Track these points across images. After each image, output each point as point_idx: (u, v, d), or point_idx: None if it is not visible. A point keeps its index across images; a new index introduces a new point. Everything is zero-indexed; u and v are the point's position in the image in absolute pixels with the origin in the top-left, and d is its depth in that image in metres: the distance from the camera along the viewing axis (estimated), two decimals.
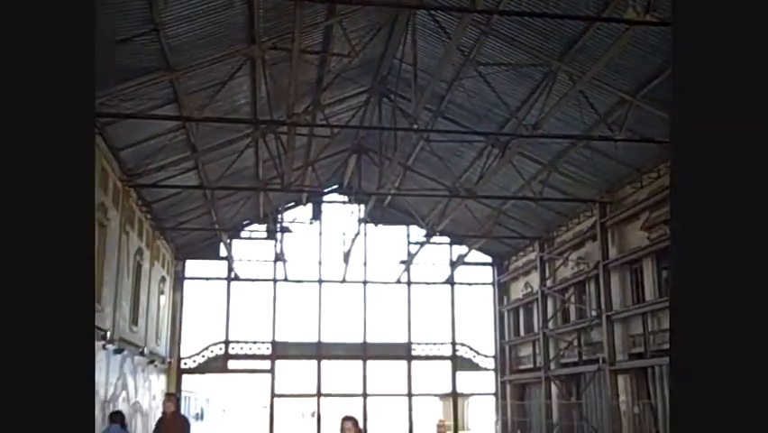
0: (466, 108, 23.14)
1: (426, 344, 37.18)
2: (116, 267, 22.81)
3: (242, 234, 35.72)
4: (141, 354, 26.69)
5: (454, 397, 37.70)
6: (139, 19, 15.47)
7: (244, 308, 36.09)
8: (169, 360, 33.25)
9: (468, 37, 18.72)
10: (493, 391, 38.13)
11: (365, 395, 36.22)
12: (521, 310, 36.43)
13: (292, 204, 34.91)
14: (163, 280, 31.71)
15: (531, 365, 34.77)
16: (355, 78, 23.58)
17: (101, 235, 20.88)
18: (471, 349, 37.69)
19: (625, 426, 25.64)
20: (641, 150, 22.43)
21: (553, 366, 31.94)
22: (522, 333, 36.18)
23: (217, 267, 36.13)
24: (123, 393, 24.45)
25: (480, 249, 36.75)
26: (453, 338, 37.45)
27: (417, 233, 35.56)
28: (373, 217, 33.47)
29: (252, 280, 36.31)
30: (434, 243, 35.67)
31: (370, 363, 36.35)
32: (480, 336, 38.29)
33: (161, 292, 31.34)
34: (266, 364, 35.75)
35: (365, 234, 36.19)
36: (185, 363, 35.28)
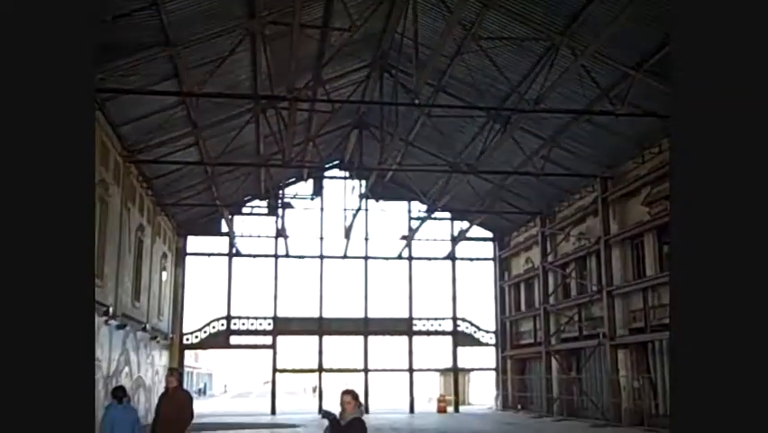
0: (467, 83, 23.02)
1: (427, 319, 37.32)
2: (118, 243, 22.83)
3: (244, 210, 35.71)
4: (144, 329, 26.80)
5: (455, 372, 37.92)
6: None
7: (246, 283, 36.21)
8: (171, 336, 33.40)
9: (469, 11, 18.59)
10: (494, 366, 38.34)
11: (366, 370, 36.43)
12: (522, 286, 36.53)
13: (293, 180, 34.87)
14: (165, 256, 31.77)
15: (531, 340, 34.93)
16: (356, 53, 23.44)
17: (102, 212, 20.88)
18: (472, 324, 37.84)
19: (624, 399, 25.81)
20: (643, 124, 22.34)
21: (553, 341, 32.08)
22: (523, 308, 36.30)
23: (219, 243, 36.21)
24: (126, 369, 24.59)
25: (481, 224, 36.75)
26: (454, 314, 37.58)
27: (419, 208, 35.59)
28: (374, 193, 33.44)
29: (254, 256, 36.38)
30: (435, 218, 35.71)
31: (371, 338, 36.51)
32: (481, 311, 38.44)
33: (163, 268, 31.40)
34: (267, 340, 35.92)
35: (366, 210, 36.19)
36: (187, 339, 35.47)
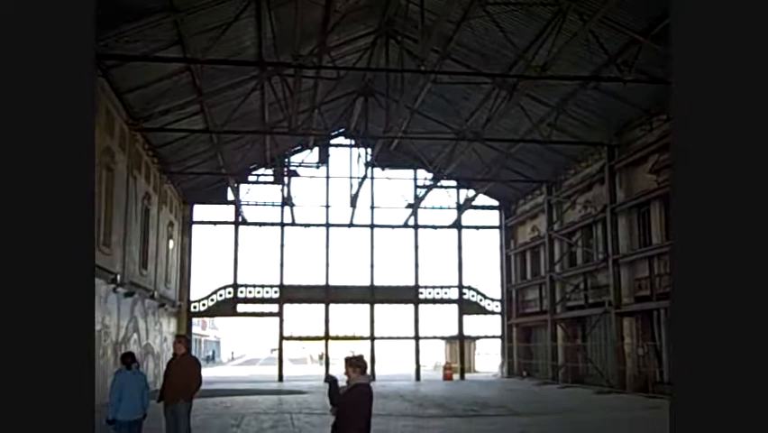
0: (474, 50, 22.84)
1: (433, 287, 37.43)
2: (124, 211, 22.90)
3: (250, 178, 35.70)
4: (152, 297, 26.99)
5: (461, 340, 38.12)
6: None
7: (252, 251, 36.35)
8: (178, 303, 33.64)
9: None
10: (499, 333, 38.53)
11: (372, 338, 36.66)
12: (528, 254, 36.57)
13: (299, 148, 34.81)
14: (171, 224, 31.87)
15: (537, 309, 35.05)
16: (362, 20, 23.25)
17: (109, 179, 20.92)
18: (478, 293, 37.97)
19: (629, 367, 25.94)
20: (651, 91, 22.18)
21: (559, 309, 32.18)
22: (528, 276, 36.38)
23: (225, 211, 36.28)
24: (135, 336, 24.81)
25: (487, 193, 36.72)
26: (460, 282, 37.69)
27: (424, 176, 35.54)
28: (380, 161, 33.35)
29: (260, 225, 36.46)
30: (441, 186, 35.64)
31: (377, 306, 36.68)
32: (487, 279, 38.55)
33: (170, 237, 31.53)
34: (274, 308, 36.13)
35: (372, 178, 36.13)
36: (194, 307, 35.71)
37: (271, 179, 34.76)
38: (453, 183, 36.88)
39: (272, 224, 36.54)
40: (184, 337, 12.00)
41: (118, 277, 21.51)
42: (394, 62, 23.47)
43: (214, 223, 36.30)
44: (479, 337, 40.60)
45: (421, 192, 34.98)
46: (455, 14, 20.18)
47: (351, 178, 35.10)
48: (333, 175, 36.90)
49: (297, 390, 27.86)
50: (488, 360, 46.52)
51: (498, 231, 38.88)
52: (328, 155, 36.51)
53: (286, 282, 36.07)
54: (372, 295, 36.54)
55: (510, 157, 30.12)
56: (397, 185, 36.44)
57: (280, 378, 34.97)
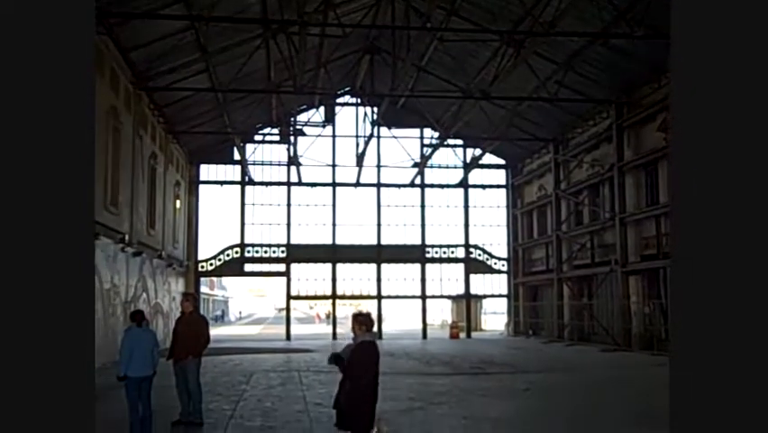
0: (480, 6, 22.55)
1: (440, 246, 37.50)
2: (131, 171, 22.90)
3: (255, 137, 35.60)
4: (160, 257, 27.13)
5: (467, 299, 38.30)
6: None
7: (259, 211, 36.40)
8: (186, 263, 33.81)
9: None
10: (506, 292, 38.69)
11: (379, 297, 36.86)
12: (534, 213, 36.54)
13: (304, 107, 34.60)
14: (178, 184, 31.89)
15: (543, 267, 35.14)
16: None
17: (115, 139, 20.89)
18: (485, 252, 38.03)
19: (635, 325, 26.07)
20: (660, 48, 21.77)
21: (565, 268, 32.26)
22: (535, 235, 36.40)
23: (231, 171, 36.24)
24: (144, 295, 25.00)
25: (493, 152, 36.53)
26: (467, 241, 37.74)
27: (431, 135, 35.36)
28: (386, 120, 33.15)
29: (266, 184, 36.45)
30: (447, 145, 35.49)
31: (384, 265, 36.81)
32: (494, 238, 38.58)
33: (176, 196, 31.57)
34: (281, 267, 36.30)
35: (378, 137, 35.98)
36: (202, 267, 35.91)
37: (277, 138, 34.68)
38: (460, 142, 36.72)
39: (278, 183, 36.52)
40: (191, 295, 12.08)
41: (126, 237, 21.60)
42: (400, 19, 23.16)
43: (221, 183, 36.30)
44: (485, 296, 40.79)
45: (427, 151, 34.84)
46: None
47: (357, 137, 34.97)
48: (339, 134, 36.77)
49: (304, 348, 28.12)
50: (494, 319, 46.79)
51: (504, 190, 38.79)
52: (334, 114, 36.31)
53: (293, 242, 36.17)
54: (379, 254, 36.65)
55: (517, 115, 29.90)
56: (403, 144, 36.29)
57: (288, 337, 35.27)
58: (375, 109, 31.94)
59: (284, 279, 36.49)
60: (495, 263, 38.20)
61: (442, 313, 51.27)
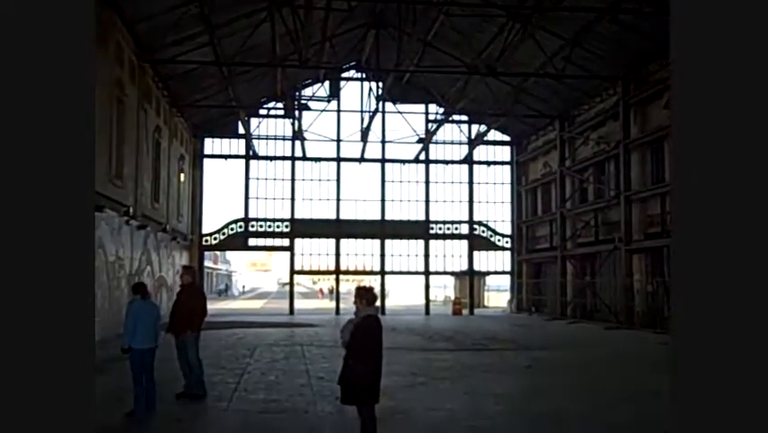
0: None
1: (444, 222, 37.49)
2: (136, 144, 22.86)
3: (260, 111, 35.49)
4: (164, 230, 27.17)
5: (471, 275, 38.36)
6: None
7: (263, 186, 36.36)
8: (190, 237, 33.86)
9: None
10: (509, 269, 38.73)
11: (383, 273, 36.92)
12: (539, 190, 36.46)
13: (309, 81, 34.41)
14: (182, 158, 31.85)
15: (547, 245, 35.13)
16: None
17: (119, 111, 20.84)
18: (488, 228, 38.03)
19: (638, 303, 26.10)
20: (668, 24, 21.60)
21: (569, 246, 32.24)
22: (539, 212, 36.35)
23: (236, 145, 36.17)
24: (148, 268, 25.07)
25: (498, 128, 36.42)
26: (471, 217, 37.73)
27: (436, 111, 35.20)
28: (392, 95, 33.00)
29: (271, 158, 36.37)
30: (452, 121, 35.39)
31: (387, 241, 36.83)
32: (498, 215, 38.56)
33: (181, 170, 31.54)
34: (285, 242, 36.35)
35: (383, 112, 35.83)
36: (206, 240, 35.98)
37: (282, 112, 34.57)
38: (465, 118, 36.60)
39: (283, 158, 36.46)
40: (190, 268, 12.09)
41: (130, 210, 21.62)
42: None
43: (225, 156, 36.24)
44: (488, 273, 40.84)
45: (432, 127, 34.71)
46: None
47: (362, 112, 34.83)
48: (344, 109, 36.65)
49: (307, 323, 28.23)
50: (497, 295, 46.91)
51: (509, 167, 38.68)
52: (339, 89, 36.17)
53: (297, 216, 36.18)
54: (383, 230, 36.66)
55: (523, 92, 29.74)
56: (408, 119, 36.13)
57: (291, 311, 35.42)
58: (380, 84, 31.76)
59: (288, 253, 36.56)
60: (498, 240, 38.21)
61: (445, 289, 51.43)
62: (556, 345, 20.52)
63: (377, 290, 7.76)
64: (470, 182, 37.89)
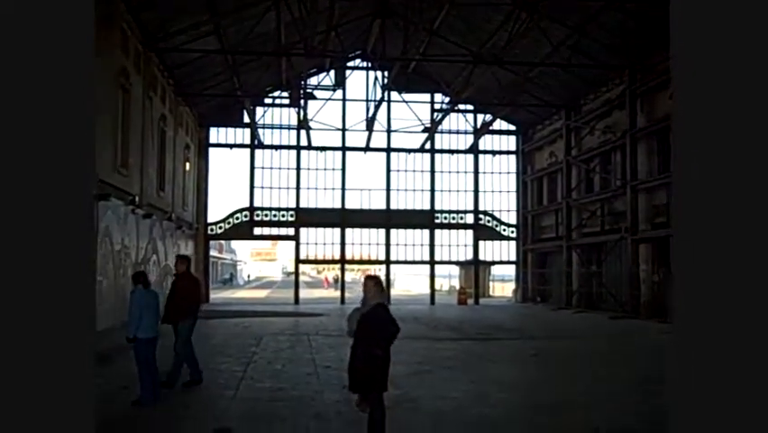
0: None
1: (449, 212, 37.45)
2: (141, 133, 22.85)
3: (266, 100, 35.43)
4: (169, 219, 27.19)
5: (476, 265, 38.35)
6: None
7: (268, 175, 36.33)
8: (195, 226, 33.88)
9: None
10: (514, 259, 38.70)
11: (388, 262, 36.95)
12: (545, 180, 36.39)
13: (315, 70, 34.31)
14: (187, 147, 31.84)
15: (553, 235, 35.08)
16: None
17: (125, 100, 20.83)
18: (494, 218, 37.98)
19: (644, 293, 26.07)
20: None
21: (574, 236, 32.19)
22: (545, 202, 36.29)
23: (241, 134, 36.13)
24: (154, 257, 25.11)
25: (504, 117, 36.32)
26: (476, 207, 37.67)
27: (442, 100, 35.12)
28: (397, 84, 32.89)
29: (276, 148, 36.34)
30: (458, 110, 35.29)
31: (393, 230, 36.81)
32: (503, 205, 38.49)
33: (186, 159, 31.54)
34: (290, 231, 36.35)
35: (389, 102, 35.76)
36: (211, 230, 35.99)
37: (287, 101, 34.51)
38: (471, 107, 36.49)
39: (288, 147, 36.42)
40: (185, 257, 12.13)
41: (136, 198, 21.63)
42: None
43: (230, 146, 36.21)
44: (494, 263, 40.81)
45: (438, 116, 34.63)
46: None
47: (367, 101, 34.76)
48: (349, 98, 36.57)
49: (313, 312, 28.27)
50: (502, 285, 46.92)
51: (514, 156, 38.58)
52: (345, 78, 36.06)
53: (302, 206, 36.16)
54: (388, 219, 36.64)
55: (529, 81, 29.63)
56: (413, 109, 36.04)
57: (296, 301, 35.46)
58: (386, 73, 31.68)
59: (293, 243, 36.58)
60: (504, 230, 38.16)
61: (450, 279, 51.46)
62: (561, 334, 20.54)
63: (382, 279, 7.78)
64: (476, 172, 37.82)
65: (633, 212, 26.46)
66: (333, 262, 38.30)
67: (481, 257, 38.23)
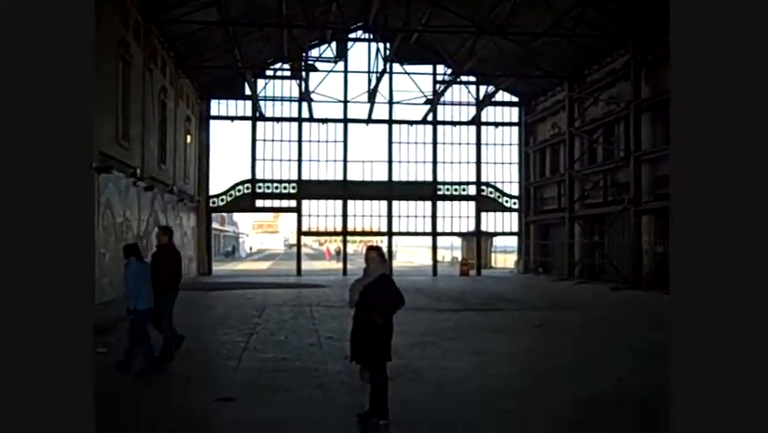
0: None
1: (452, 184, 37.38)
2: (142, 105, 22.75)
3: (267, 72, 35.22)
4: (171, 191, 27.15)
5: (478, 236, 38.37)
6: None
7: (270, 147, 36.24)
8: (197, 198, 33.86)
9: None
10: (517, 230, 38.69)
11: (390, 234, 36.97)
12: (547, 151, 36.26)
13: (316, 42, 34.02)
14: (188, 119, 31.72)
15: (555, 206, 35.03)
16: None
17: (125, 72, 20.71)
18: (496, 190, 37.91)
19: (646, 264, 26.08)
20: None
21: (577, 207, 32.14)
22: (548, 174, 36.19)
23: (242, 107, 35.99)
24: (156, 229, 25.09)
25: (507, 89, 36.10)
26: (478, 178, 37.59)
27: (444, 71, 34.89)
28: (399, 56, 32.66)
29: (277, 120, 36.20)
30: (460, 82, 35.07)
31: (395, 202, 36.77)
32: (506, 176, 38.42)
33: (187, 132, 31.43)
34: (292, 203, 36.33)
35: (391, 73, 35.52)
36: (213, 202, 35.98)
37: (289, 73, 34.31)
38: (473, 79, 36.26)
39: (290, 119, 36.27)
40: (167, 228, 12.02)
41: (137, 171, 21.59)
42: None
43: (232, 118, 36.08)
44: (496, 234, 40.84)
45: (440, 88, 34.42)
46: None
47: (369, 73, 34.53)
48: (351, 70, 36.33)
49: (315, 284, 28.34)
50: (504, 257, 46.98)
51: (517, 128, 38.42)
52: (346, 49, 35.81)
53: (304, 178, 36.10)
54: (390, 191, 36.58)
55: (532, 52, 29.39)
56: (416, 80, 35.82)
57: (299, 272, 35.54)
58: (388, 45, 31.46)
59: (295, 215, 36.58)
60: (506, 201, 38.12)
61: (452, 250, 51.52)
62: (563, 304, 20.58)
63: (383, 249, 7.79)
64: (478, 143, 37.68)
65: (636, 183, 26.39)
66: (335, 233, 38.34)
67: (483, 229, 38.23)
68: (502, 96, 37.04)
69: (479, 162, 37.59)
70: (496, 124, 38.15)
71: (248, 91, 34.18)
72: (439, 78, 35.50)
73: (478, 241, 38.56)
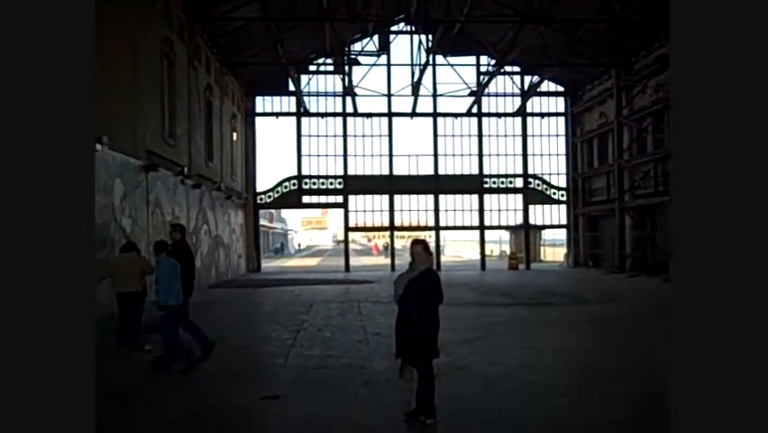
0: None
1: (498, 176, 36.99)
2: (187, 103, 22.92)
3: (310, 67, 35.26)
4: (218, 189, 27.36)
5: (526, 229, 37.92)
6: None
7: (315, 143, 36.32)
8: (245, 195, 34.09)
9: None
10: (565, 223, 38.13)
11: (437, 228, 36.75)
12: (595, 141, 35.59)
13: (358, 36, 33.97)
14: (234, 116, 31.92)
15: (604, 197, 34.38)
16: None
17: (169, 70, 20.87)
18: (544, 182, 37.40)
19: None
20: None
21: (627, 198, 31.48)
22: (596, 164, 35.54)
23: (287, 103, 36.12)
24: (205, 226, 25.32)
25: (552, 78, 35.50)
26: (525, 171, 37.13)
27: (488, 62, 34.48)
28: (442, 47, 32.35)
29: (322, 115, 36.24)
30: (504, 73, 34.63)
31: (441, 196, 36.53)
32: (553, 168, 37.86)
33: (233, 129, 31.63)
34: (339, 199, 36.35)
35: (434, 65, 35.25)
36: (260, 199, 36.21)
37: (332, 68, 34.30)
38: (517, 69, 35.77)
39: (334, 114, 36.29)
40: (179, 226, 11.94)
41: (185, 169, 21.76)
42: None
43: (276, 114, 36.24)
44: (544, 227, 40.33)
45: (484, 79, 34.05)
46: None
47: (412, 65, 34.35)
48: (394, 63, 36.19)
49: (363, 279, 28.30)
50: (553, 250, 46.38)
51: (563, 118, 37.82)
52: (389, 42, 35.67)
53: (350, 173, 36.08)
54: (437, 185, 36.36)
55: (577, 40, 28.80)
56: (459, 72, 35.51)
57: (347, 268, 35.56)
58: (430, 36, 31.18)
59: (342, 210, 36.60)
60: (554, 193, 37.58)
61: (500, 244, 51.08)
62: (615, 299, 20.14)
63: (431, 244, 7.65)
64: (524, 135, 37.21)
65: None
66: (382, 229, 38.28)
67: (531, 221, 37.77)
68: (547, 86, 36.47)
69: (525, 154, 37.13)
70: (542, 115, 37.62)
71: (292, 87, 34.27)
72: (483, 69, 35.12)
73: (526, 234, 38.10)
